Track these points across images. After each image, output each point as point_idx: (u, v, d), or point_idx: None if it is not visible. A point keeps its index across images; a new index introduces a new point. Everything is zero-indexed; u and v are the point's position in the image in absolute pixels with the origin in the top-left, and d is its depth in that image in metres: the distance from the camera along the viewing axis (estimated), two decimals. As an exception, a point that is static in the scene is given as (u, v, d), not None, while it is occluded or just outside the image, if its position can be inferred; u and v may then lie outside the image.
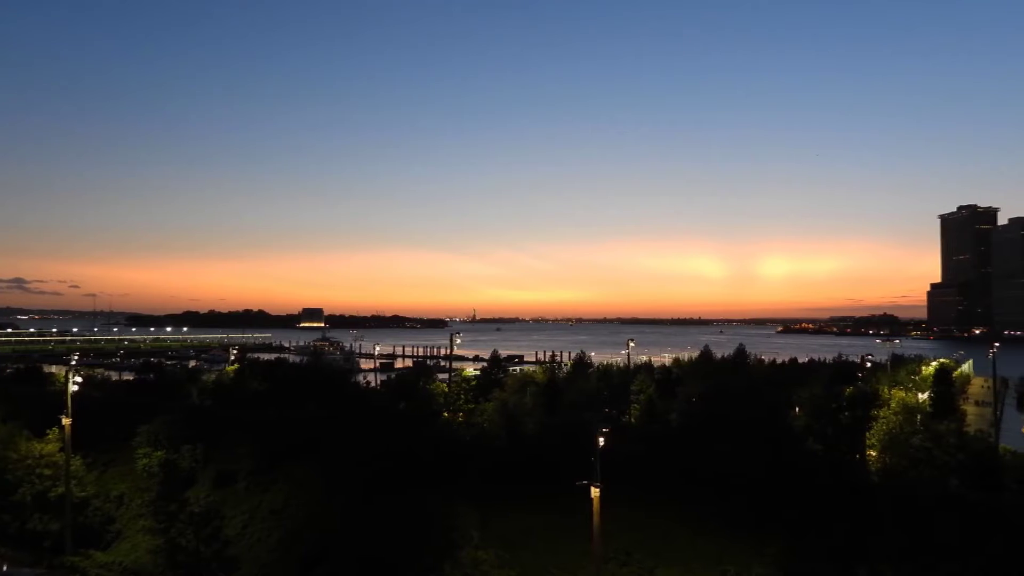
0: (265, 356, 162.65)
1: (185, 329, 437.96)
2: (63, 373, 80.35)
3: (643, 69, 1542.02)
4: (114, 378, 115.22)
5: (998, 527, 37.39)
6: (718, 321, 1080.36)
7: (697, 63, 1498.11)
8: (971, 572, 34.76)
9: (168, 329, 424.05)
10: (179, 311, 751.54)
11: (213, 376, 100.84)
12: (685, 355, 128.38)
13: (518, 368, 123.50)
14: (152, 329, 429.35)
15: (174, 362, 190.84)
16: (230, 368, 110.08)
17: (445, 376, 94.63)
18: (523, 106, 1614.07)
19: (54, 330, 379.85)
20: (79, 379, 60.35)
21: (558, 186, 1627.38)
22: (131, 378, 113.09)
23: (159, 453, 60.88)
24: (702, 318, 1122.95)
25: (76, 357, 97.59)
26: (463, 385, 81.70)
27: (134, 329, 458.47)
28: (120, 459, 63.97)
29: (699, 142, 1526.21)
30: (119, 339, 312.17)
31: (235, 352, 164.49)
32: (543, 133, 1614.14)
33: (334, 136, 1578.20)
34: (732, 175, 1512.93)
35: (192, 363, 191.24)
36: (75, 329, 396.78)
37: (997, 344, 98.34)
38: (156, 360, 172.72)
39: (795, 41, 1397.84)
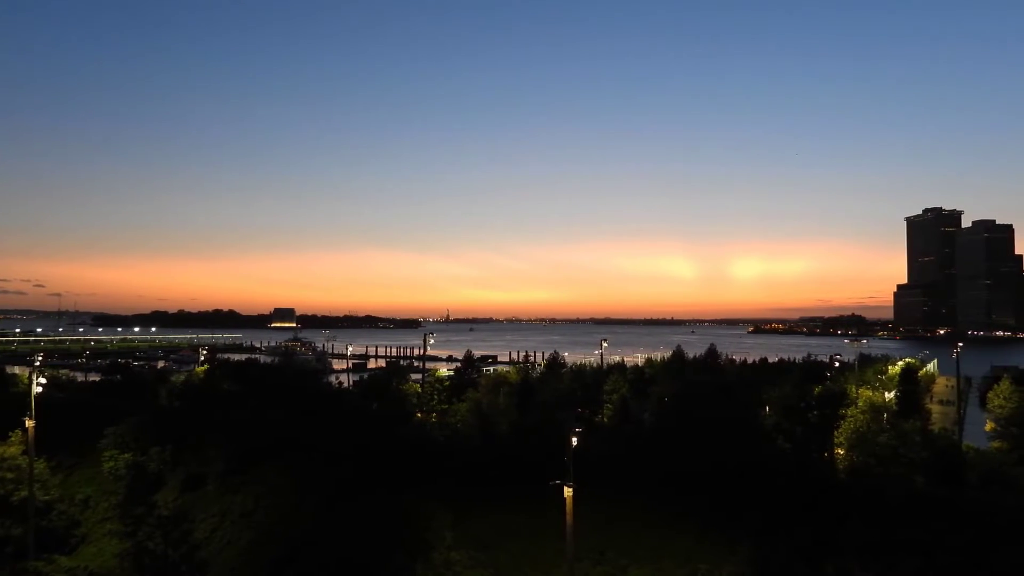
0: (236, 357, 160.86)
1: (154, 329, 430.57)
2: (27, 374, 78.59)
3: (617, 72, 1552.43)
4: (80, 379, 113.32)
5: (962, 523, 38.18)
6: (690, 321, 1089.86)
7: (670, 66, 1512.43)
8: (936, 568, 35.46)
9: (136, 329, 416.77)
10: (147, 311, 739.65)
11: (182, 377, 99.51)
12: (658, 355, 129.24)
13: (492, 368, 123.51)
14: (119, 329, 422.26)
15: (142, 363, 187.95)
16: (200, 369, 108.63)
17: (418, 376, 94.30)
18: (498, 107, 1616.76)
19: (17, 330, 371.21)
20: (43, 380, 59.03)
21: (532, 187, 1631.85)
22: (97, 379, 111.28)
23: (126, 455, 59.83)
24: (674, 318, 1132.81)
25: (40, 358, 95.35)
26: (436, 385, 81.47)
27: (101, 329, 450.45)
28: (86, 462, 62.78)
29: (673, 144, 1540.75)
30: (85, 339, 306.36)
31: (205, 352, 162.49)
32: (517, 134, 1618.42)
33: (306, 135, 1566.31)
34: (705, 177, 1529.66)
35: (161, 364, 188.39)
36: (39, 329, 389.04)
37: (961, 344, 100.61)
38: (123, 361, 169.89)
39: (766, 46, 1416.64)
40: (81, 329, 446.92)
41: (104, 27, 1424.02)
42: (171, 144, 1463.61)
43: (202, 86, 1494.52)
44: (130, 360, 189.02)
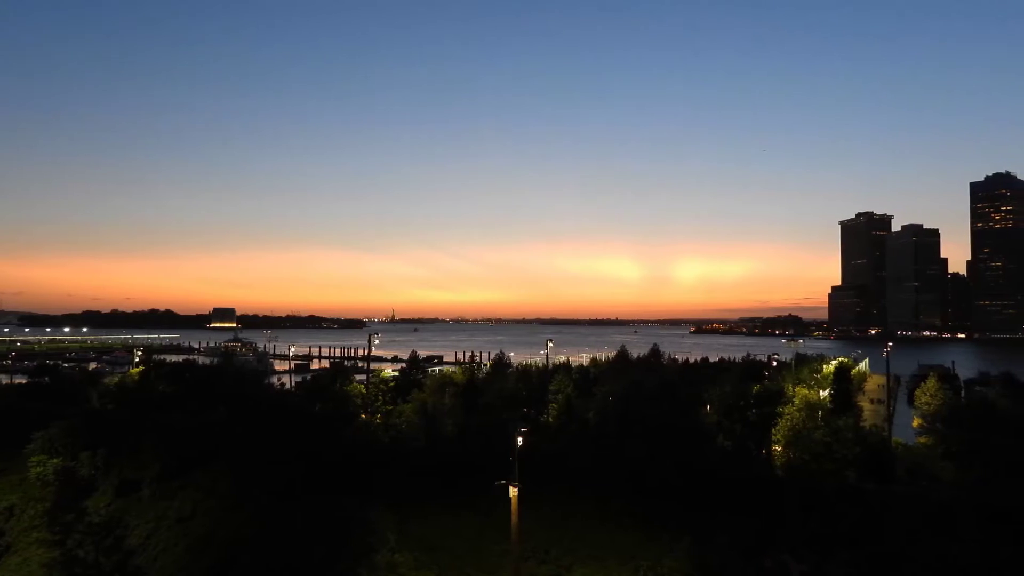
0: (173, 358, 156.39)
1: (85, 330, 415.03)
2: (-53, 377, 74.95)
3: (561, 70, 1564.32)
4: (5, 381, 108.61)
5: (891, 515, 39.71)
6: (633, 322, 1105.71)
7: (612, 65, 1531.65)
8: (866, 558, 36.80)
9: (66, 329, 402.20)
10: (78, 311, 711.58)
11: (116, 379, 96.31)
12: (602, 355, 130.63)
13: (437, 369, 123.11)
14: (48, 329, 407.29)
15: (72, 364, 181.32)
16: (134, 371, 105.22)
17: (363, 377, 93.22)
18: (441, 104, 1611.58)
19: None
20: (-35, 383, 56.44)
21: (478, 186, 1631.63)
22: (24, 381, 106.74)
23: (55, 460, 57.49)
24: (618, 319, 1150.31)
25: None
26: (381, 386, 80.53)
27: (28, 330, 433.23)
28: (11, 468, 60.10)
29: (616, 145, 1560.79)
30: (11, 340, 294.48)
31: (140, 354, 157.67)
32: (461, 132, 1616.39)
33: (247, 130, 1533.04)
34: (647, 179, 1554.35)
35: (92, 365, 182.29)
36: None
37: (890, 344, 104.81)
38: (52, 362, 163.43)
39: (707, 48, 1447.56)
40: (7, 329, 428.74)
41: (26, 14, 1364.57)
42: (104, 136, 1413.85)
43: (136, 75, 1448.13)
44: (59, 362, 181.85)
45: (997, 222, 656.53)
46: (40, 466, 57.59)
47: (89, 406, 76.99)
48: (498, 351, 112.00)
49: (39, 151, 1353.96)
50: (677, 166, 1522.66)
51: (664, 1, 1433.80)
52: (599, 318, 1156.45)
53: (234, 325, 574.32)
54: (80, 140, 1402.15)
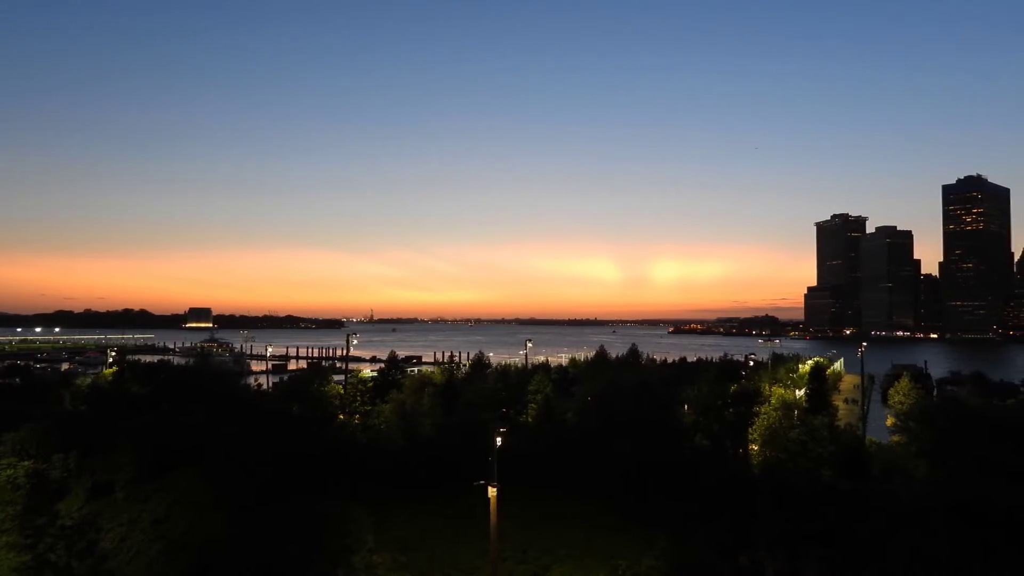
0: (147, 358, 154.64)
1: (57, 330, 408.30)
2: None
3: (541, 71, 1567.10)
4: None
5: (865, 513, 40.21)
6: (612, 322, 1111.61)
7: (593, 67, 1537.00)
8: (840, 555, 37.22)
9: (38, 330, 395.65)
10: (51, 310, 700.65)
11: (89, 380, 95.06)
12: (581, 355, 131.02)
13: (416, 369, 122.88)
14: (19, 330, 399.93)
15: (44, 365, 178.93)
16: (108, 371, 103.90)
17: (341, 377, 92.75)
18: (420, 105, 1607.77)
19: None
20: (-68, 384, 55.25)
21: (457, 187, 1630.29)
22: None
23: (26, 463, 56.41)
24: (597, 319, 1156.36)
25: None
26: (359, 387, 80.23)
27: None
28: (-20, 471, 58.91)
29: (595, 146, 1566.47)
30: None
31: (114, 354, 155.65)
32: (441, 132, 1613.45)
33: (224, 128, 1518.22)
34: (627, 180, 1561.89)
35: (65, 366, 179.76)
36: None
37: (865, 344, 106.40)
38: (23, 363, 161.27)
39: (684, 50, 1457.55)
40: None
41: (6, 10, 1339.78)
42: (76, 131, 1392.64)
43: (110, 67, 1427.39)
44: (30, 362, 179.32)
45: (968, 224, 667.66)
46: (10, 468, 56.49)
47: (62, 407, 75.87)
48: (477, 351, 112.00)
49: (12, 149, 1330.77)
50: (656, 167, 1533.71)
51: (647, 4, 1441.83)
52: (578, 318, 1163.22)
53: (210, 325, 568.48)
54: (55, 138, 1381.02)
